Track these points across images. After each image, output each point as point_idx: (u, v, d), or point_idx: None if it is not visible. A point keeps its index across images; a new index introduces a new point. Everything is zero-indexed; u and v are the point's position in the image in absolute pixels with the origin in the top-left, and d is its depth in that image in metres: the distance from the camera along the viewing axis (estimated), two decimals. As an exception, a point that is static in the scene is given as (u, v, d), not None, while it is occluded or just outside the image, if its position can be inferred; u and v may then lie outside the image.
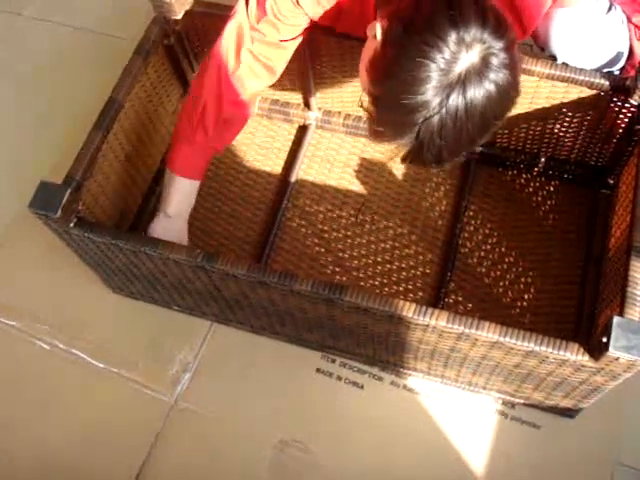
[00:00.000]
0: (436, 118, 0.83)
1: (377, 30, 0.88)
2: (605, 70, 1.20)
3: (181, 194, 1.24)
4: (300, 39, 1.17)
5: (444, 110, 0.83)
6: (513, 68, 0.84)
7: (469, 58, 0.81)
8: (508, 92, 0.85)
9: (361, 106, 0.94)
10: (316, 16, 1.11)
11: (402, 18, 0.85)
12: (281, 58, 1.18)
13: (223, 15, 1.25)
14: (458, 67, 0.81)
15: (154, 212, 1.40)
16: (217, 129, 1.19)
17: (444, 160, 0.89)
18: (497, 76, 0.83)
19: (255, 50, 1.14)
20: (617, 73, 1.22)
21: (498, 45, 0.82)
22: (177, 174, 1.22)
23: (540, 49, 1.21)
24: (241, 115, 1.23)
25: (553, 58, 1.19)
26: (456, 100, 0.82)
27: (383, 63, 0.87)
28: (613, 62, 1.21)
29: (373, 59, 0.89)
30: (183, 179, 1.23)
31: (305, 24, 1.14)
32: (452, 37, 0.81)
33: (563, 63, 1.17)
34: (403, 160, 0.91)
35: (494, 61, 0.82)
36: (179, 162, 1.22)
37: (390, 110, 0.88)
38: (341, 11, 1.10)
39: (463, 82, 0.82)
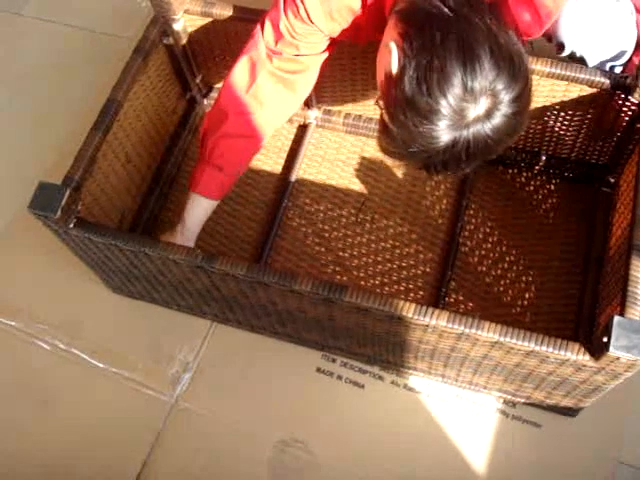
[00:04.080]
0: (441, 158, 0.88)
1: (394, 57, 0.88)
2: (611, 63, 1.19)
3: (195, 211, 1.24)
4: (322, 58, 1.16)
5: (448, 153, 0.87)
6: (520, 113, 0.87)
7: (475, 112, 0.84)
8: (510, 133, 0.89)
9: (376, 103, 0.96)
10: (333, 33, 1.10)
11: (416, 61, 0.85)
12: (302, 75, 1.17)
13: (222, 15, 1.26)
14: (464, 120, 0.84)
15: (154, 212, 1.41)
16: (218, 143, 1.17)
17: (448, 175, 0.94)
18: (499, 126, 0.86)
19: (274, 66, 1.13)
20: (623, 64, 1.21)
21: (507, 97, 0.84)
22: (191, 189, 1.22)
23: (547, 40, 1.20)
24: (250, 135, 1.19)
25: (560, 47, 1.18)
26: (459, 147, 0.86)
27: (395, 102, 0.88)
28: (620, 53, 1.20)
29: (386, 86, 0.90)
30: (198, 195, 1.22)
31: (323, 42, 1.13)
32: (459, 93, 0.83)
33: (563, 61, 1.16)
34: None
35: (499, 114, 0.85)
36: (193, 178, 1.22)
37: (399, 145, 0.90)
38: (359, 26, 1.09)
39: (467, 130, 0.85)
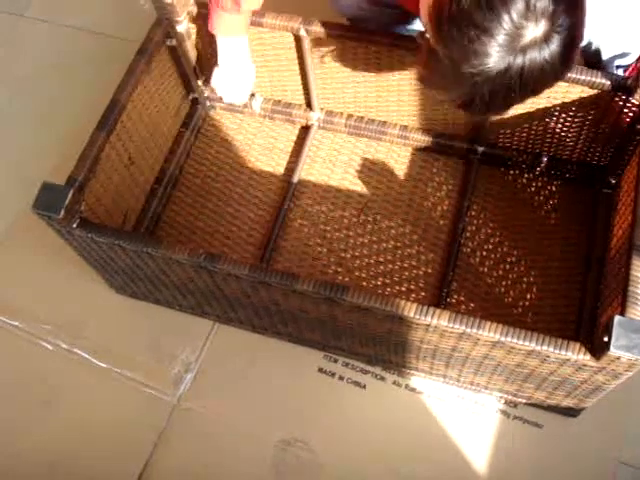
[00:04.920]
0: (489, 85, 0.85)
1: None
2: (621, 60, 1.19)
3: (227, 49, 1.27)
4: None
5: (499, 79, 0.84)
6: (572, 46, 0.85)
7: (533, 33, 0.81)
8: (560, 69, 0.87)
9: (421, 39, 0.94)
10: None
11: None
12: None
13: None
14: (521, 40, 0.82)
15: (157, 213, 1.42)
16: None
17: (484, 115, 0.95)
18: (555, 53, 0.83)
19: None
20: (630, 64, 1.21)
21: (565, 23, 0.82)
22: (213, 32, 1.25)
23: None
24: None
25: None
26: (512, 72, 0.83)
27: (448, 22, 0.85)
28: (633, 50, 1.20)
29: (437, 6, 0.87)
30: (224, 37, 1.26)
31: None
32: (521, 9, 0.80)
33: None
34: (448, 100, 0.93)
35: (557, 38, 0.82)
36: (213, 24, 1.23)
37: (446, 71, 0.88)
38: None
39: (523, 55, 0.82)
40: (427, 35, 0.91)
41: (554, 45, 0.83)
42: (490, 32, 0.81)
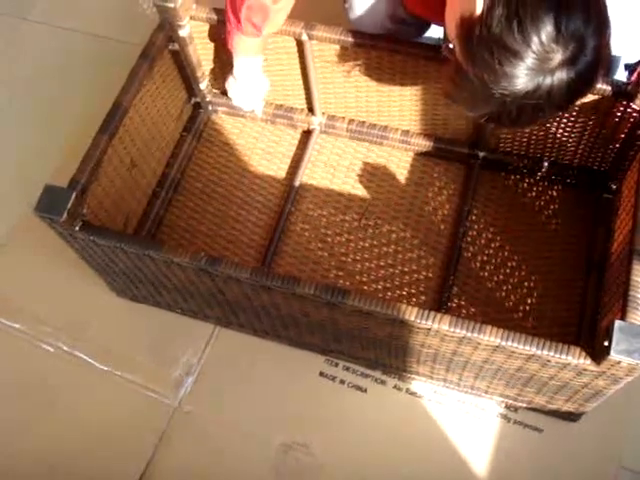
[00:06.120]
0: (517, 104, 0.86)
1: None
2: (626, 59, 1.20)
3: (243, 67, 1.32)
4: None
5: (527, 98, 0.85)
6: (598, 65, 0.86)
7: (563, 55, 0.82)
8: (587, 86, 0.88)
9: (447, 52, 0.94)
10: None
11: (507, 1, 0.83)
12: None
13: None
14: (551, 63, 0.82)
15: (158, 216, 1.42)
16: (244, 16, 1.18)
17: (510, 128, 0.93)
18: (583, 72, 0.84)
19: None
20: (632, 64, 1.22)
21: (593, 44, 0.83)
22: (231, 50, 1.28)
23: None
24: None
25: None
26: (540, 92, 0.84)
27: (477, 44, 0.85)
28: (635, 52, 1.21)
29: (466, 28, 0.87)
30: (242, 57, 1.30)
31: None
32: (552, 33, 0.81)
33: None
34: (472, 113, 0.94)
35: (584, 59, 0.83)
36: (232, 44, 1.26)
37: (475, 89, 0.88)
38: None
39: (552, 75, 0.83)
40: (451, 46, 0.91)
41: (581, 65, 0.84)
42: (520, 55, 0.82)
